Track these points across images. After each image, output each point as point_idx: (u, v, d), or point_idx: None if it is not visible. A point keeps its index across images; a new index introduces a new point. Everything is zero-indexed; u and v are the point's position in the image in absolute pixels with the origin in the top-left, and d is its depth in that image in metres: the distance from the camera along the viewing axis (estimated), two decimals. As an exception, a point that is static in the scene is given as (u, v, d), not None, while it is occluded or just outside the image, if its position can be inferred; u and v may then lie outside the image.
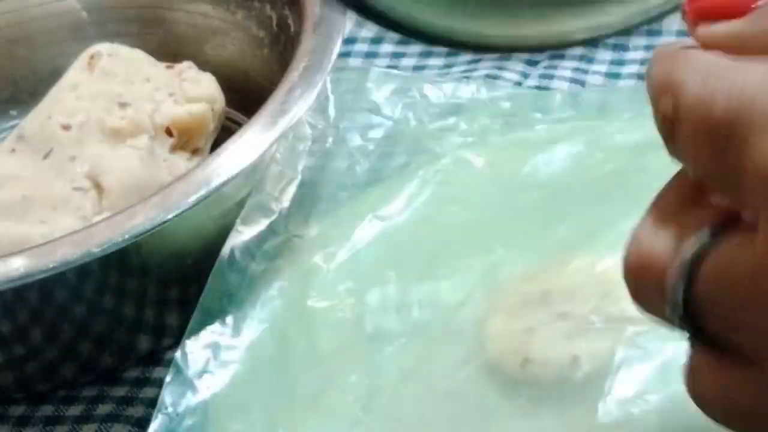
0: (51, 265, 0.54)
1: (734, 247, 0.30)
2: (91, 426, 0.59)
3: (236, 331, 0.58)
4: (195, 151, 0.68)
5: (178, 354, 0.57)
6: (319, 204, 0.59)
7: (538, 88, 0.72)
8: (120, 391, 0.61)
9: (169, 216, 0.55)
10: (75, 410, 0.60)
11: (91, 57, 0.70)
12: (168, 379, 0.56)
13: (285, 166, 0.65)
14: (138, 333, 0.61)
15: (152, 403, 0.58)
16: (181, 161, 0.67)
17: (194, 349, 0.57)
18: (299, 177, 0.65)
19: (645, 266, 0.31)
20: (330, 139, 0.68)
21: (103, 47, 0.71)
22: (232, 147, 0.58)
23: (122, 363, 0.61)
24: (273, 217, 0.62)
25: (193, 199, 0.56)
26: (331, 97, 0.69)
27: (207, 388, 0.56)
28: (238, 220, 0.61)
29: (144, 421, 0.58)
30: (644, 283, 0.32)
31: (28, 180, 0.65)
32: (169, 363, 0.58)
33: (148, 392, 0.60)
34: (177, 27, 0.76)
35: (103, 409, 0.60)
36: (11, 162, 0.67)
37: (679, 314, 0.31)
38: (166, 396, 0.56)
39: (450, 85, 0.70)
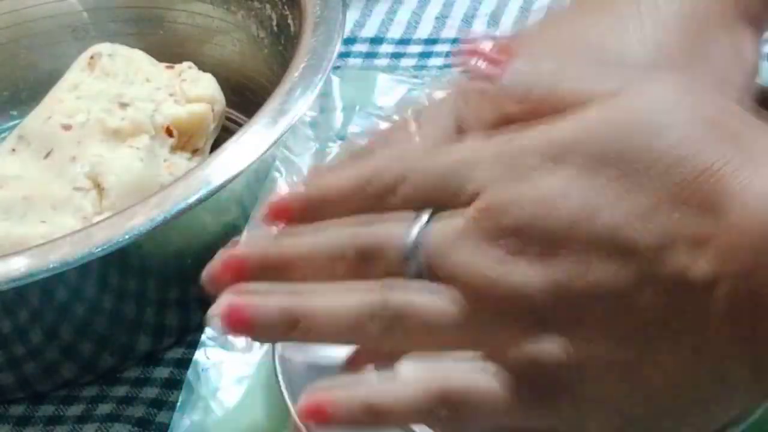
0: (51, 265, 0.54)
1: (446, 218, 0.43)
2: (92, 426, 0.59)
3: (247, 346, 0.58)
4: (195, 151, 0.68)
5: (189, 372, 0.56)
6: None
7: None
8: (120, 391, 0.61)
9: (169, 216, 0.55)
10: (75, 410, 0.60)
11: (91, 57, 0.70)
12: (181, 398, 0.56)
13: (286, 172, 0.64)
14: (138, 333, 0.61)
15: (152, 403, 0.58)
16: (181, 161, 0.67)
17: (206, 367, 0.57)
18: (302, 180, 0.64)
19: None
20: (338, 143, 0.67)
21: (103, 47, 0.71)
22: (232, 147, 0.58)
23: (122, 363, 0.62)
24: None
25: (193, 199, 0.56)
26: (340, 103, 0.69)
27: (220, 406, 0.56)
28: (245, 229, 0.60)
29: (144, 421, 0.58)
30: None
31: (29, 180, 0.65)
32: (169, 363, 0.58)
33: (148, 392, 0.60)
34: (177, 27, 0.76)
35: (103, 408, 0.60)
36: (11, 162, 0.67)
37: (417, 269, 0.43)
38: (179, 417, 0.55)
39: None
